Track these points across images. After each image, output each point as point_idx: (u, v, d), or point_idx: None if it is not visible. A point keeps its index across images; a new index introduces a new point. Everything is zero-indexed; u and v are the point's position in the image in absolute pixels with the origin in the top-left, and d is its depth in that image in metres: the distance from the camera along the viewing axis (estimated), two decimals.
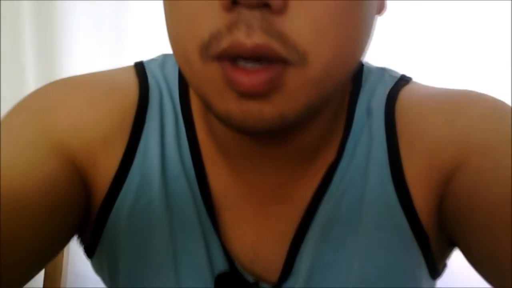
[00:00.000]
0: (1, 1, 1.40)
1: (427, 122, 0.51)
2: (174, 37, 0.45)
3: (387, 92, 0.55)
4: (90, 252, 0.58)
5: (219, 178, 0.55)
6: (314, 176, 0.55)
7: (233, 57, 0.40)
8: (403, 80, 0.58)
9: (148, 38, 1.51)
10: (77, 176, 0.50)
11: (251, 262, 0.55)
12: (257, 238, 0.55)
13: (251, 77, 0.40)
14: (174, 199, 0.53)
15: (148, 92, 0.55)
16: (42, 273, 1.19)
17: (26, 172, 0.45)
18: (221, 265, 0.54)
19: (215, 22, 0.39)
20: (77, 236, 0.58)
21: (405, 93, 0.55)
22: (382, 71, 0.59)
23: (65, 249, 1.19)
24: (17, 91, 1.44)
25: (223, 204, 0.55)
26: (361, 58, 0.46)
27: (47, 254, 0.48)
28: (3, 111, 1.37)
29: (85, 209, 0.53)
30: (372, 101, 0.55)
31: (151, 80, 0.56)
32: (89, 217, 0.55)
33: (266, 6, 0.38)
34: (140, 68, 0.58)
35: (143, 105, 0.54)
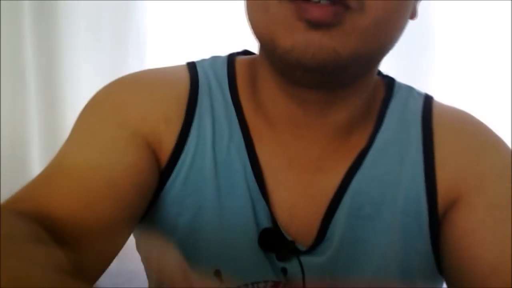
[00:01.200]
0: (1, 1, 1.40)
1: (462, 148, 0.64)
2: None
3: (421, 106, 0.68)
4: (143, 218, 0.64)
5: (265, 148, 0.64)
6: (347, 155, 0.64)
7: None
8: (429, 97, 0.70)
9: (148, 38, 1.51)
10: (152, 155, 0.60)
11: (288, 223, 0.63)
12: (293, 203, 0.63)
13: (319, 8, 0.50)
14: (224, 166, 0.63)
15: (198, 80, 0.66)
16: None
17: (114, 162, 0.56)
18: (265, 222, 0.62)
19: None
20: None
21: (437, 110, 0.67)
22: (410, 88, 0.71)
23: None
24: (17, 91, 1.44)
25: (268, 171, 0.64)
26: (391, 47, 0.58)
27: (131, 227, 0.58)
28: (3, 112, 1.37)
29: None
30: (406, 111, 0.67)
31: (200, 72, 0.67)
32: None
33: None
34: (191, 65, 0.69)
35: (194, 90, 0.65)
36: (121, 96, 0.63)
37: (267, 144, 0.64)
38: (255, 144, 0.64)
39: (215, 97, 0.66)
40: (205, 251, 0.62)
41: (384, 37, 0.56)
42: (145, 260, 0.71)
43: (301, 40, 0.52)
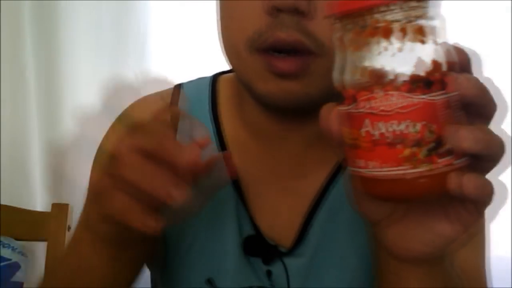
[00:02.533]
0: (1, 1, 1.40)
1: None
2: (225, 34, 0.60)
3: None
4: None
5: (244, 158, 0.66)
6: (327, 161, 0.66)
7: (274, 49, 0.55)
8: None
9: (149, 38, 1.51)
10: None
11: (269, 228, 0.66)
12: (275, 209, 0.67)
13: (285, 62, 0.55)
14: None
15: (180, 91, 0.72)
16: (42, 272, 1.20)
17: None
18: (248, 229, 0.66)
19: (259, 23, 0.55)
20: None
21: None
22: None
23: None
24: (17, 91, 1.44)
25: (248, 180, 0.67)
26: None
27: None
28: (3, 112, 1.36)
29: None
30: None
31: (184, 85, 0.73)
32: None
33: (298, 12, 0.53)
34: (177, 86, 0.74)
35: (176, 97, 0.71)
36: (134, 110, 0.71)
37: (246, 155, 0.67)
38: (234, 155, 0.64)
39: (193, 113, 0.69)
40: (194, 262, 0.66)
41: None
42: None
43: (273, 89, 0.56)
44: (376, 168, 0.40)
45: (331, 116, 0.43)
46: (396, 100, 0.39)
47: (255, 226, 0.66)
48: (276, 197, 0.67)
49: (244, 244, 0.65)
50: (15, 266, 1.25)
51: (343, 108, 0.42)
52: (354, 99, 0.41)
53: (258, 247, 0.65)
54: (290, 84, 0.56)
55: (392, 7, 0.39)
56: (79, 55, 1.48)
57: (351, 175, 0.43)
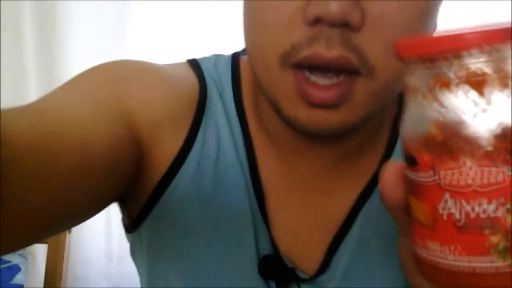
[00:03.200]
0: (1, 1, 1.40)
1: None
2: (255, 45, 0.50)
3: None
4: (133, 226, 0.60)
5: (269, 168, 0.58)
6: (356, 180, 0.58)
7: (310, 66, 0.46)
8: None
9: (148, 38, 1.50)
10: (136, 148, 0.53)
11: (289, 249, 0.58)
12: (297, 228, 0.58)
13: (323, 92, 0.46)
14: (227, 185, 0.57)
15: (206, 86, 0.59)
16: (42, 274, 1.19)
17: (95, 128, 0.47)
18: (266, 249, 0.58)
19: (297, 35, 0.45)
20: (121, 209, 0.61)
21: None
22: None
23: (66, 251, 1.19)
24: (17, 93, 1.43)
25: (271, 193, 0.58)
26: None
27: (93, 207, 0.50)
28: None
29: (134, 181, 0.55)
30: None
31: (207, 77, 0.60)
32: (141, 192, 0.57)
33: (345, 24, 0.44)
34: (195, 64, 0.61)
35: (203, 97, 0.58)
36: (129, 71, 0.57)
37: (271, 164, 0.59)
38: (258, 164, 0.59)
39: (219, 107, 0.59)
40: (202, 269, 0.58)
41: (397, 89, 0.51)
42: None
43: (304, 116, 0.47)
44: (459, 259, 0.32)
45: (397, 182, 0.35)
46: (490, 175, 0.30)
47: (274, 245, 0.58)
48: (299, 215, 0.59)
49: (260, 265, 0.57)
50: (15, 268, 1.25)
51: (414, 174, 0.33)
52: (432, 167, 0.32)
53: (275, 269, 0.58)
54: (325, 114, 0.47)
55: (490, 51, 0.30)
56: (79, 55, 1.48)
57: (417, 257, 0.35)
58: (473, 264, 0.31)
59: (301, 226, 0.59)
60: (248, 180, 0.58)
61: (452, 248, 0.32)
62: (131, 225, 0.61)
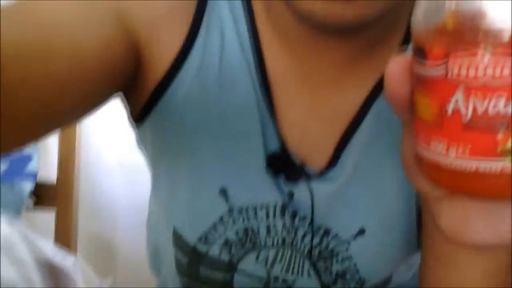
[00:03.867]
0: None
1: None
2: None
3: None
4: (136, 123, 0.60)
5: (277, 62, 0.56)
6: (371, 75, 0.56)
7: None
8: None
9: None
10: (133, 49, 0.52)
11: (297, 145, 0.57)
12: (306, 123, 0.57)
13: None
14: (232, 83, 0.55)
15: None
16: (55, 163, 1.19)
17: (87, 30, 0.46)
18: (274, 146, 0.57)
19: None
20: (126, 106, 0.60)
21: None
22: None
23: (77, 139, 1.19)
24: None
25: (279, 88, 0.56)
26: None
27: (89, 109, 0.50)
28: None
29: (133, 81, 0.55)
30: None
31: None
32: (142, 90, 0.56)
33: None
34: None
35: None
36: None
37: (279, 58, 0.57)
38: (266, 59, 0.56)
39: (222, 0, 0.56)
40: (210, 166, 0.58)
41: None
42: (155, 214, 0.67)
43: (318, 9, 0.45)
44: (463, 158, 0.30)
45: (402, 77, 0.33)
46: (503, 67, 0.28)
47: (282, 141, 0.57)
48: (309, 110, 0.57)
49: (268, 160, 0.57)
50: (27, 157, 1.24)
51: (421, 68, 0.31)
52: (443, 59, 0.30)
53: (283, 165, 0.57)
54: (341, 7, 0.44)
55: None
56: None
57: (419, 156, 0.34)
58: (476, 164, 0.30)
59: (311, 121, 0.57)
60: (255, 77, 0.56)
61: (456, 146, 0.31)
62: (134, 122, 0.60)
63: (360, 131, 0.56)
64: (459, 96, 0.29)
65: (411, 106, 0.33)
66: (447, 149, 0.31)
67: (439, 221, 0.39)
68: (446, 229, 0.38)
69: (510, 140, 0.29)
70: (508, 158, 0.29)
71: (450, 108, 0.30)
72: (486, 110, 0.29)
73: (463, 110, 0.29)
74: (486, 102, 0.29)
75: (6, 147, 0.42)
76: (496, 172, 0.30)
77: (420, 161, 0.34)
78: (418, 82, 0.32)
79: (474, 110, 0.29)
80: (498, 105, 0.28)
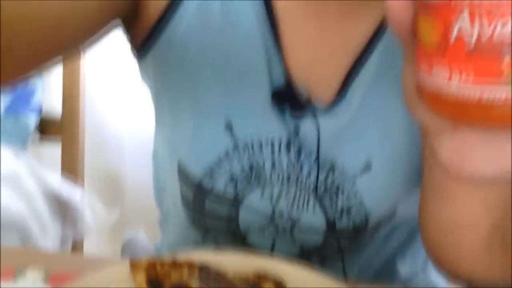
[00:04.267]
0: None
1: None
2: None
3: None
4: (138, 56, 0.60)
5: None
6: (379, 8, 0.53)
7: None
8: None
9: None
10: None
11: (303, 79, 0.56)
12: (313, 56, 0.56)
13: None
14: (236, 15, 0.54)
15: None
16: (60, 97, 1.18)
17: None
18: (280, 79, 0.56)
19: None
20: (128, 38, 0.60)
21: None
22: None
23: (81, 72, 1.18)
24: None
25: (285, 19, 0.55)
26: None
27: (89, 36, 0.50)
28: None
29: (134, 15, 0.55)
30: None
31: None
32: (143, 22, 0.56)
33: None
34: None
35: None
36: None
37: None
38: None
39: None
40: (214, 100, 0.57)
41: None
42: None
43: None
44: (466, 85, 0.29)
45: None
46: None
47: (288, 74, 0.56)
48: (315, 43, 0.56)
49: (273, 94, 0.56)
50: (31, 90, 1.23)
51: None
52: None
53: (289, 99, 0.56)
54: None
55: None
56: None
57: (421, 85, 0.33)
58: (480, 91, 0.29)
59: (318, 53, 0.56)
60: (260, 9, 0.54)
61: (459, 72, 0.29)
62: (136, 55, 0.59)
63: (368, 65, 0.55)
64: (464, 19, 0.28)
65: (414, 32, 0.32)
66: (450, 76, 0.30)
67: (438, 154, 0.38)
68: (445, 161, 0.38)
69: None
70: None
71: (454, 32, 0.28)
72: (492, 35, 0.27)
73: (467, 34, 0.28)
74: (492, 26, 0.27)
75: (8, 80, 0.43)
76: (500, 101, 0.29)
77: (421, 90, 0.33)
78: (422, 6, 0.30)
79: (479, 34, 0.28)
80: (504, 30, 0.27)
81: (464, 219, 0.46)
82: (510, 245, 0.48)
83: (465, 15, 0.28)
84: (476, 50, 0.28)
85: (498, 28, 0.27)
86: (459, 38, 0.29)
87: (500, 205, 0.44)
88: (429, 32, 0.30)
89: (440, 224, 0.49)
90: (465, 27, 0.28)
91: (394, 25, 0.33)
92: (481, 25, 0.28)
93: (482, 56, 0.28)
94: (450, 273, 0.54)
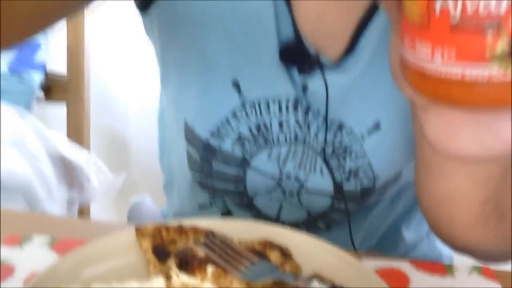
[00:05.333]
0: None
1: None
2: None
3: None
4: (142, 7, 0.59)
5: None
6: None
7: None
8: None
9: None
10: None
11: (312, 33, 0.55)
12: (322, 9, 0.54)
13: None
14: None
15: None
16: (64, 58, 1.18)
17: None
18: (288, 33, 0.54)
19: None
20: None
21: None
22: None
23: (85, 30, 1.17)
24: None
25: None
26: None
27: None
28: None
29: None
30: None
31: None
32: None
33: None
34: None
35: None
36: None
37: None
38: None
39: None
40: (221, 57, 0.56)
41: None
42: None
43: None
44: (449, 63, 0.29)
45: None
46: None
47: (296, 29, 0.55)
48: None
49: (281, 50, 0.55)
50: (36, 46, 1.22)
51: None
52: None
53: (297, 55, 0.55)
54: None
55: None
56: None
57: (404, 61, 0.32)
58: (462, 69, 0.28)
59: (326, 5, 0.54)
60: None
61: (442, 49, 0.29)
62: (140, 6, 0.59)
63: (378, 18, 0.53)
64: None
65: (400, 6, 0.31)
66: (433, 53, 0.29)
67: (425, 130, 0.38)
68: (432, 138, 0.37)
69: (499, 43, 0.27)
70: (496, 64, 0.27)
71: (438, 6, 0.28)
72: (476, 10, 0.27)
73: (452, 8, 0.27)
74: (475, 1, 0.27)
75: (12, 39, 0.42)
76: (483, 80, 0.28)
77: (404, 67, 0.32)
78: None
79: (464, 9, 0.27)
80: (489, 5, 0.26)
81: (455, 193, 0.46)
82: (504, 215, 0.47)
83: None
84: (460, 26, 0.28)
85: (482, 3, 0.27)
86: (442, 14, 0.28)
87: (491, 181, 0.44)
88: (413, 7, 0.30)
89: (433, 197, 0.49)
90: (448, 2, 0.27)
91: None
92: (463, 4, 0.27)
93: (466, 32, 0.28)
94: (447, 242, 0.54)
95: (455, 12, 0.27)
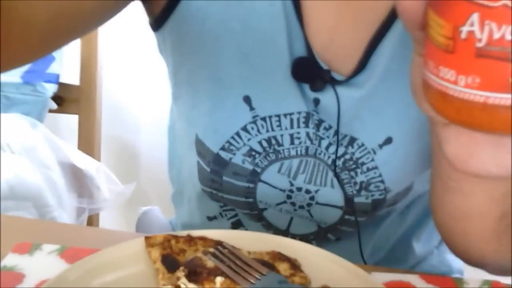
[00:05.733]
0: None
1: None
2: None
3: None
4: (155, 25, 0.59)
5: None
6: None
7: None
8: None
9: None
10: None
11: (324, 49, 0.55)
12: (334, 25, 0.54)
13: None
14: None
15: None
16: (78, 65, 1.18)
17: None
18: (300, 49, 0.55)
19: None
20: (146, 8, 0.60)
21: None
22: None
23: (99, 41, 1.17)
24: None
25: None
26: None
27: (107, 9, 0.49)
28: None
29: None
30: None
31: None
32: None
33: None
34: None
35: None
36: None
37: None
38: None
39: None
40: (233, 75, 0.56)
41: None
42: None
43: None
44: (472, 87, 0.28)
45: None
46: None
47: (308, 45, 0.55)
48: (337, 11, 0.55)
49: (293, 66, 0.55)
50: (50, 57, 1.23)
51: None
52: None
53: (309, 71, 0.55)
54: None
55: None
56: None
57: (426, 81, 0.32)
58: (486, 95, 0.28)
59: (339, 22, 0.55)
60: None
61: (465, 76, 0.29)
62: (153, 24, 0.59)
63: (391, 35, 0.54)
64: (475, 18, 0.27)
65: (424, 25, 0.31)
66: (456, 76, 0.29)
67: (444, 148, 0.38)
68: (451, 156, 0.37)
69: None
70: None
71: (465, 30, 0.27)
72: (502, 36, 0.26)
73: (478, 33, 0.27)
74: (503, 26, 0.26)
75: (28, 57, 0.44)
76: (505, 107, 0.28)
77: (427, 88, 0.32)
78: (433, 3, 0.30)
79: (490, 34, 0.27)
80: None
81: (471, 209, 0.46)
82: None
83: (475, 18, 0.27)
84: (485, 52, 0.27)
85: (504, 28, 0.26)
86: (468, 38, 0.28)
87: (508, 197, 0.44)
88: (438, 31, 0.29)
89: (449, 211, 0.49)
90: (476, 26, 0.27)
91: (403, 19, 0.32)
92: (492, 25, 0.27)
93: (491, 59, 0.27)
94: (460, 256, 0.54)
95: (482, 37, 0.27)
